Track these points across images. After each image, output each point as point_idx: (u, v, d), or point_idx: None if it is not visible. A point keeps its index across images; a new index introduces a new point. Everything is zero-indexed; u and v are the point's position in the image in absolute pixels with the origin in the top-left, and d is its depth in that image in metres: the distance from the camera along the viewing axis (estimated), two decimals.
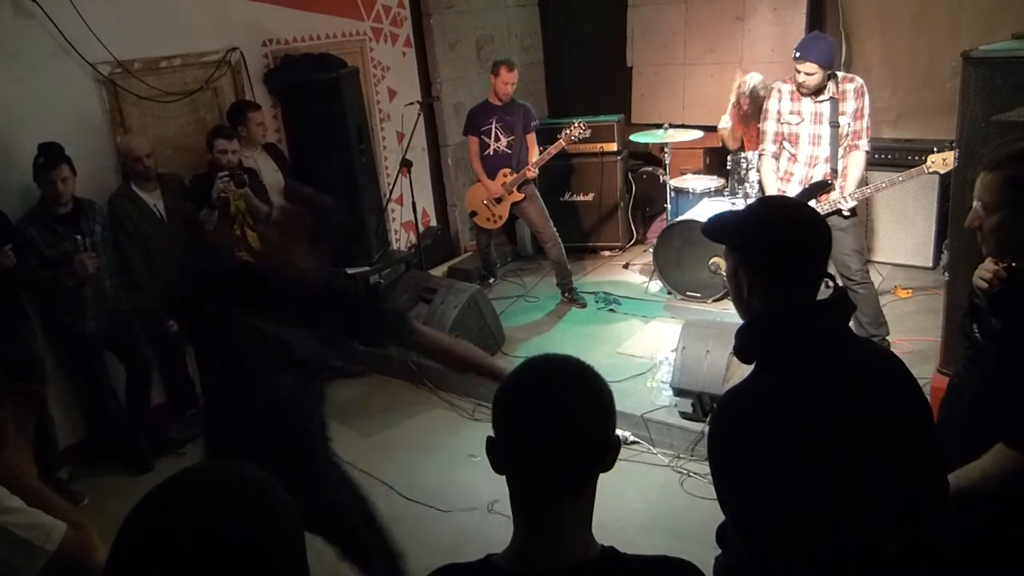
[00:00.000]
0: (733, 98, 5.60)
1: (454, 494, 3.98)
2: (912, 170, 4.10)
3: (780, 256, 1.59)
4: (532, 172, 5.63)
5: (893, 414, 1.57)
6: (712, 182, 6.03)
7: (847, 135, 4.17)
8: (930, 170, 4.07)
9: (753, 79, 5.42)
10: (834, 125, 4.15)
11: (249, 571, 0.96)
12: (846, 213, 4.19)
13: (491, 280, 6.31)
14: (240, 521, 0.97)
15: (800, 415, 1.52)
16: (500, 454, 1.23)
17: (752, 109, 5.34)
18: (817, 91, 4.12)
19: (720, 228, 1.74)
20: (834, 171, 4.21)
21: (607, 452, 1.24)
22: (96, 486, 4.19)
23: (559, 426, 1.19)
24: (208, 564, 0.93)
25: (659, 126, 5.98)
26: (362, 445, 4.49)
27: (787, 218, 1.63)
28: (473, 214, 5.93)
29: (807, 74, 4.04)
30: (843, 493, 1.52)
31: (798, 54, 4.06)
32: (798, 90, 4.17)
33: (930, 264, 5.78)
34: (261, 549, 0.97)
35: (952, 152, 3.95)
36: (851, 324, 3.97)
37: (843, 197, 4.14)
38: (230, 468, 1.05)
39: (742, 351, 1.63)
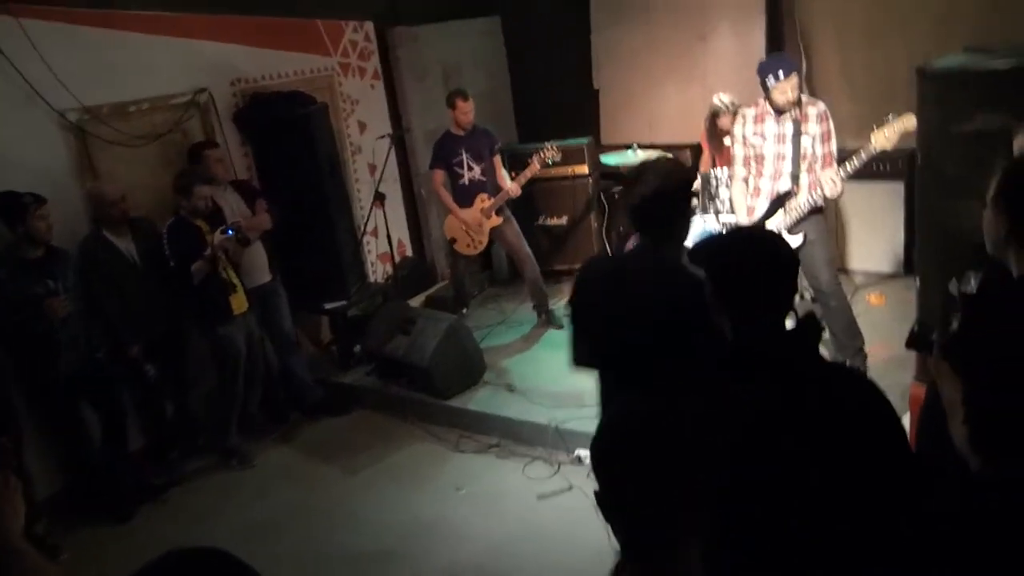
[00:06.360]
0: (706, 121, 5.67)
1: (443, 528, 3.96)
2: (860, 152, 4.05)
3: (741, 292, 1.65)
4: (516, 191, 5.69)
5: (859, 449, 1.58)
6: None
7: (809, 154, 4.24)
8: (877, 149, 4.02)
9: (725, 97, 5.50)
10: (796, 140, 4.22)
11: None
12: (819, 203, 4.23)
13: (464, 310, 6.20)
14: None
15: (765, 443, 1.54)
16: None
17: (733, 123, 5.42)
18: (788, 106, 4.17)
19: (698, 255, 1.81)
20: (795, 177, 4.27)
21: None
22: (75, 539, 4.09)
23: None
24: None
25: (628, 147, 6.04)
26: (347, 483, 4.46)
27: (749, 255, 1.68)
28: (453, 241, 5.95)
29: (792, 88, 4.11)
30: (810, 529, 1.53)
31: (781, 73, 4.07)
32: (775, 111, 4.21)
33: (901, 271, 5.87)
34: None
35: (893, 124, 3.98)
36: (825, 335, 3.98)
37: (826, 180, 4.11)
38: (211, 558, 1.04)
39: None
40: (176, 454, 4.80)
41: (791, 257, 1.70)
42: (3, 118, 4.21)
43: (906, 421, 3.14)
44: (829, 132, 4.24)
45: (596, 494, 1.26)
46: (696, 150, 6.15)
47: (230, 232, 4.45)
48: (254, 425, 5.07)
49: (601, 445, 1.27)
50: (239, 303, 4.65)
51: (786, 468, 1.54)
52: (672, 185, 2.34)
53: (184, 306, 4.62)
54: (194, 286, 4.42)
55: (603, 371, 2.47)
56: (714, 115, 5.57)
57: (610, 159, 6.15)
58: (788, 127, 4.23)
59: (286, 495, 4.40)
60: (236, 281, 4.65)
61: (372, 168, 6.33)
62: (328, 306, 5.54)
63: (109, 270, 4.35)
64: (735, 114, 5.24)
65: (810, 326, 1.67)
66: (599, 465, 1.26)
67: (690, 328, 2.06)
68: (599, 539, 1.28)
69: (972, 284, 2.07)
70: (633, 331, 2.26)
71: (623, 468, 1.22)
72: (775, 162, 4.31)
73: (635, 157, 5.89)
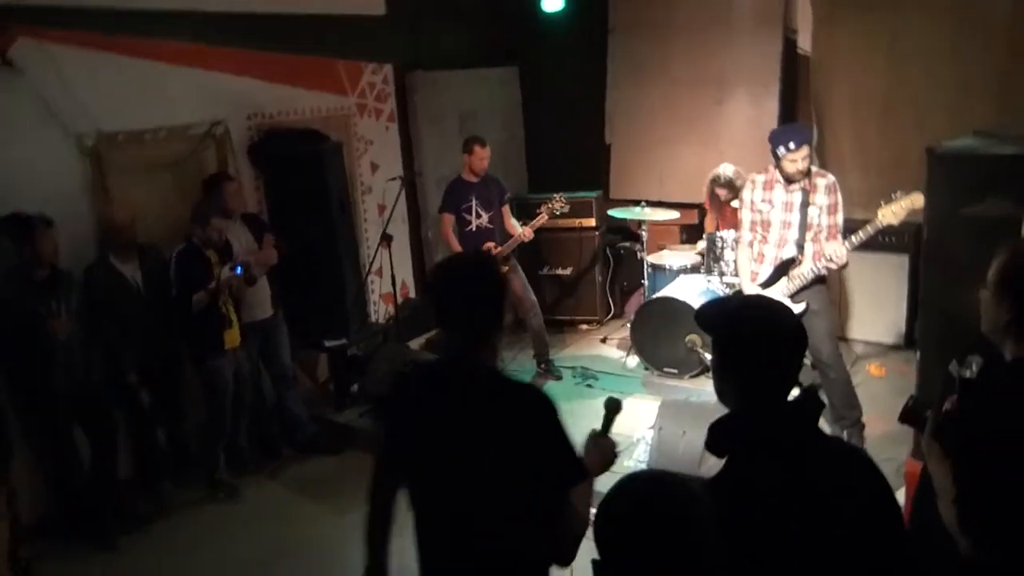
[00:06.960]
0: (707, 187, 5.74)
1: None
2: (867, 226, 4.10)
3: (749, 365, 1.64)
4: (529, 235, 5.72)
5: (854, 526, 1.58)
6: (689, 259, 6.11)
7: (815, 224, 4.26)
8: (883, 224, 4.06)
9: (727, 170, 5.57)
10: (803, 209, 4.25)
11: None
12: (823, 273, 4.25)
13: None
14: None
15: (763, 518, 1.53)
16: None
17: (728, 196, 5.49)
18: (798, 176, 4.20)
19: (705, 320, 1.80)
20: (800, 246, 4.29)
21: None
22: (60, 564, 4.04)
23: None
24: None
25: (637, 203, 6.09)
26: (334, 523, 4.39)
27: (756, 326, 1.67)
28: None
29: (803, 159, 4.14)
30: None
31: (792, 144, 4.10)
32: (785, 180, 4.24)
33: (902, 343, 5.86)
34: None
35: (900, 202, 4.01)
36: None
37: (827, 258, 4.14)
38: None
39: (713, 447, 1.66)
40: (165, 483, 4.75)
41: (798, 331, 1.70)
42: (20, 138, 4.27)
43: (901, 497, 3.10)
44: (837, 204, 4.27)
45: (594, 563, 1.24)
46: (703, 211, 6.22)
47: (239, 270, 4.47)
48: (245, 459, 5.02)
49: (608, 523, 1.24)
50: (232, 338, 4.64)
51: (780, 543, 1.53)
52: (481, 282, 2.02)
53: (178, 334, 4.62)
54: (191, 315, 4.43)
55: (419, 513, 2.12)
56: (713, 181, 5.64)
57: (618, 213, 6.20)
58: (797, 196, 4.26)
59: (272, 532, 4.34)
60: (233, 317, 4.64)
61: (381, 208, 6.38)
62: (328, 343, 5.52)
63: (112, 297, 4.35)
64: (735, 191, 5.32)
65: (811, 399, 1.67)
66: (604, 538, 1.24)
67: (520, 446, 1.99)
68: None
69: (973, 369, 2.06)
70: (454, 460, 1.98)
71: (627, 545, 1.21)
72: (780, 229, 4.34)
73: (642, 214, 5.94)
